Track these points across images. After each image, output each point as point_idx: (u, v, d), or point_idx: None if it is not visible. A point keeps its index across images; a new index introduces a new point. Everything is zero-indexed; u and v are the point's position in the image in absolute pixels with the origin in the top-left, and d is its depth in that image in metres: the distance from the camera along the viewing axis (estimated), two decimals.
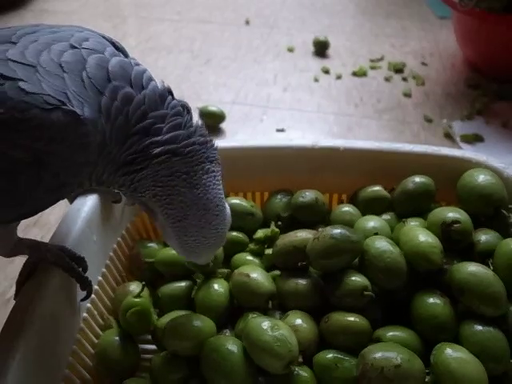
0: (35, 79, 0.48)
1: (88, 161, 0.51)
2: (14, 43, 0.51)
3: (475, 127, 1.46)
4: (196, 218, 0.57)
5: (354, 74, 1.78)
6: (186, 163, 0.55)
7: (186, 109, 0.59)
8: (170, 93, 0.58)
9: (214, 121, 1.45)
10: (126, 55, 0.59)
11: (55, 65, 0.50)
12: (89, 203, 0.73)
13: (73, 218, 0.71)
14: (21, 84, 0.46)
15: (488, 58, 1.73)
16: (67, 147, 0.49)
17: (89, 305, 0.71)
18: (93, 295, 0.70)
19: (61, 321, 0.63)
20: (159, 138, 0.54)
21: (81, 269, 0.64)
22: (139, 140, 0.54)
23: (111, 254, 0.79)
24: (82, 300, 0.66)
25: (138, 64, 0.57)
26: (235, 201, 0.84)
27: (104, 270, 0.76)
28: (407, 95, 1.65)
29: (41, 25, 0.57)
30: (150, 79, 0.56)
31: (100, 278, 0.75)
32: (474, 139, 1.40)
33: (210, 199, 0.57)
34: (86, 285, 0.65)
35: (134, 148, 0.54)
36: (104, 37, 0.59)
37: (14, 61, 0.48)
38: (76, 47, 0.52)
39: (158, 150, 0.54)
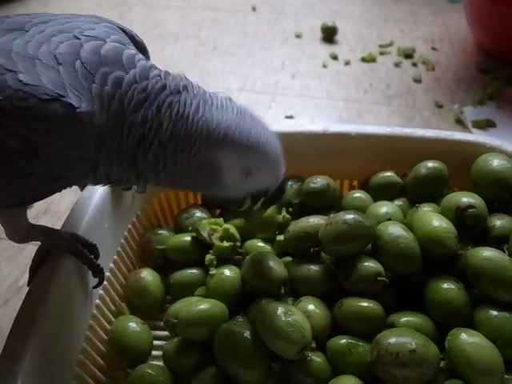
0: (34, 72, 0.48)
1: (83, 156, 0.51)
2: (26, 31, 0.51)
3: (487, 112, 1.44)
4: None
5: (363, 59, 1.76)
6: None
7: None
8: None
9: None
10: (141, 46, 0.60)
11: (51, 56, 0.50)
12: (99, 191, 0.73)
13: (84, 205, 0.71)
14: (20, 76, 0.47)
15: (500, 42, 1.69)
16: (62, 140, 0.48)
17: (101, 291, 0.71)
18: (105, 282, 0.70)
19: (74, 307, 0.63)
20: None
21: (93, 256, 0.65)
22: (136, 127, 0.52)
23: (122, 241, 0.79)
24: (95, 287, 0.66)
25: (132, 49, 0.56)
26: None
27: (115, 257, 0.76)
28: (417, 81, 1.63)
29: (60, 14, 0.57)
30: (140, 59, 0.55)
31: (112, 265, 0.75)
32: (485, 125, 1.38)
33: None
34: (98, 272, 0.65)
35: (131, 138, 0.52)
36: (122, 28, 0.59)
37: (17, 52, 0.48)
38: (77, 37, 0.52)
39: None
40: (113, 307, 0.74)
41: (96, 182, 0.57)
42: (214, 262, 0.75)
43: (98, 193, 0.73)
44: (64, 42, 0.51)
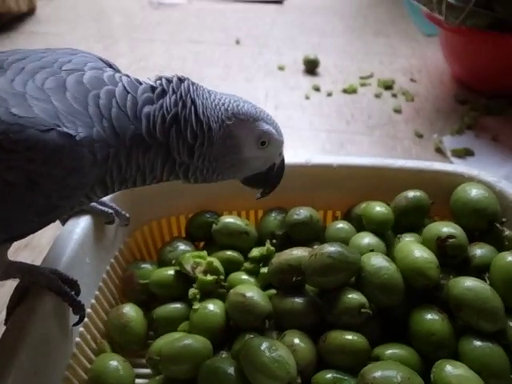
0: (26, 105, 0.48)
1: (81, 183, 0.51)
2: (5, 70, 0.52)
3: (465, 142, 1.47)
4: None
5: (345, 91, 1.80)
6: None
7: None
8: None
9: None
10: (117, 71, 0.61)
11: (41, 91, 0.51)
12: (81, 225, 0.73)
13: (65, 240, 0.70)
14: (13, 110, 0.47)
15: (475, 74, 1.76)
16: (61, 169, 0.49)
17: (82, 329, 0.69)
18: (86, 319, 0.69)
19: (53, 347, 0.62)
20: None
21: (74, 292, 0.63)
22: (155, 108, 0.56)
23: (104, 275, 0.78)
24: (75, 325, 0.65)
25: (110, 71, 0.58)
26: (229, 220, 0.84)
27: (97, 292, 0.75)
28: (397, 111, 1.67)
29: (34, 50, 0.58)
30: (121, 75, 0.58)
31: (93, 300, 0.73)
32: (464, 153, 1.42)
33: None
34: (79, 309, 0.63)
35: (159, 126, 0.55)
36: (98, 57, 0.61)
37: (3, 90, 0.49)
38: (57, 72, 0.54)
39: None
40: (94, 345, 0.72)
41: (105, 193, 0.58)
42: (198, 297, 0.74)
43: (80, 227, 0.72)
44: (49, 78, 0.53)
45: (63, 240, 0.70)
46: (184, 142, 0.57)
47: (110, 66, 0.62)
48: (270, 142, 0.62)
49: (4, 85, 0.50)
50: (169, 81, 0.59)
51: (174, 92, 0.58)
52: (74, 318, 0.64)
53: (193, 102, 0.57)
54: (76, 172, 0.50)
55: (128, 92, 0.56)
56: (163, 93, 0.57)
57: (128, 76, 0.59)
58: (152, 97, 0.57)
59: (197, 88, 0.59)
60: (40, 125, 0.47)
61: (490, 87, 1.68)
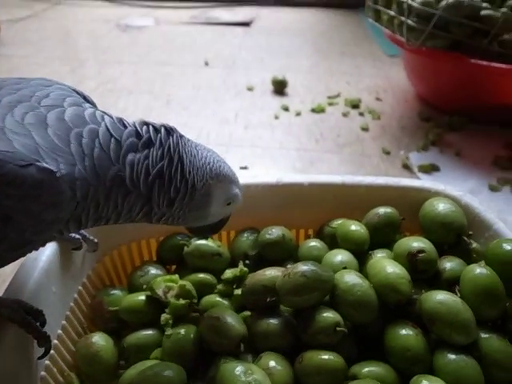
0: (5, 139, 0.47)
1: (58, 217, 0.50)
2: None
3: (431, 157, 1.52)
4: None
5: (313, 110, 1.84)
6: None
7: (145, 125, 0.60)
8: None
9: None
10: (93, 104, 0.61)
11: (21, 126, 0.50)
12: (46, 252, 0.70)
13: (29, 268, 0.67)
14: None
15: (437, 93, 1.83)
16: (39, 204, 0.47)
17: (47, 362, 0.66)
18: (52, 351, 0.66)
19: (16, 383, 0.58)
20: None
21: (38, 323, 0.60)
22: (139, 157, 0.56)
23: (72, 304, 0.75)
24: (40, 358, 0.62)
25: (90, 107, 0.58)
26: (201, 242, 0.83)
27: (64, 322, 0.72)
28: (365, 129, 1.71)
29: (8, 80, 0.57)
30: (103, 114, 0.58)
31: (60, 331, 0.70)
32: (430, 169, 1.46)
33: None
34: (45, 341, 0.60)
35: (143, 177, 0.56)
36: (72, 88, 0.61)
37: None
38: (36, 107, 0.53)
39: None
40: (60, 378, 0.69)
41: (79, 229, 0.57)
42: (170, 322, 0.72)
43: (45, 254, 0.70)
44: (28, 113, 0.51)
45: (27, 268, 0.67)
46: (165, 195, 0.58)
47: (85, 97, 0.62)
48: (233, 202, 0.67)
49: None
50: (156, 130, 0.59)
51: (161, 144, 0.58)
52: (40, 351, 0.61)
53: (180, 158, 0.58)
54: (53, 207, 0.48)
55: (111, 135, 0.55)
56: (149, 143, 0.57)
57: (110, 116, 0.58)
58: (137, 143, 0.57)
59: (185, 144, 0.60)
60: (19, 159, 0.45)
61: (451, 105, 1.75)
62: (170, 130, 0.60)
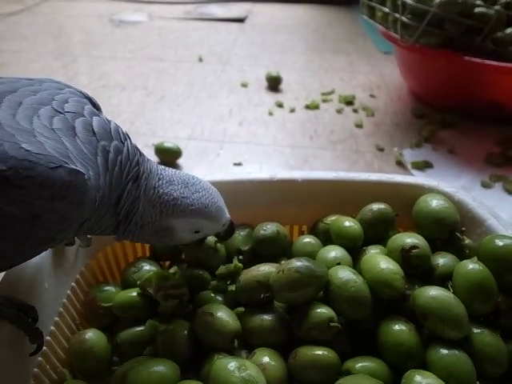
0: (36, 141, 0.48)
1: (80, 217, 0.52)
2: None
3: (424, 154, 1.53)
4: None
5: (307, 107, 1.84)
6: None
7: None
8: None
9: (170, 157, 1.44)
10: (97, 108, 0.63)
11: (50, 131, 0.50)
12: None
13: (21, 264, 0.66)
14: (24, 146, 0.46)
15: (430, 90, 1.83)
16: (66, 205, 0.49)
17: (40, 358, 0.65)
18: (44, 347, 0.65)
19: (7, 380, 0.58)
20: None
21: (30, 319, 0.60)
22: (132, 188, 0.59)
23: (65, 300, 0.74)
24: (32, 354, 0.61)
25: (109, 120, 0.61)
26: None
27: (57, 318, 0.71)
28: (359, 126, 1.71)
29: (20, 80, 0.57)
30: (124, 134, 0.61)
31: (52, 327, 0.70)
32: (424, 166, 1.46)
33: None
34: (37, 337, 0.60)
35: (130, 194, 0.60)
36: (81, 92, 0.62)
37: (7, 125, 0.48)
38: (60, 112, 0.54)
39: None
40: (53, 375, 0.68)
41: (75, 235, 0.61)
42: (157, 325, 0.71)
43: None
44: (54, 117, 0.52)
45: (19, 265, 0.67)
46: (127, 231, 0.63)
47: (90, 100, 0.63)
48: (203, 230, 0.68)
49: (6, 119, 0.48)
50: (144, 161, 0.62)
51: (136, 181, 0.60)
52: (32, 347, 0.61)
53: (138, 204, 0.61)
54: (78, 207, 0.50)
55: (129, 158, 0.59)
56: (137, 177, 0.60)
57: (128, 136, 0.62)
58: (136, 174, 0.60)
59: (146, 185, 0.61)
60: (50, 162, 0.47)
61: (445, 102, 1.76)
62: (143, 168, 0.62)
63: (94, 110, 0.60)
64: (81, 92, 0.62)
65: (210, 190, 0.68)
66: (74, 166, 0.49)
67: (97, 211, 0.56)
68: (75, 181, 0.49)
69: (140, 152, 0.63)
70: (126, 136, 0.61)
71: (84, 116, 0.56)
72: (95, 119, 0.57)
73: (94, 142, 0.54)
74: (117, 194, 0.57)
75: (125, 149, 0.58)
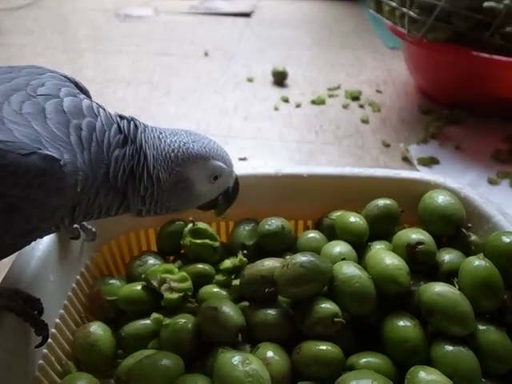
0: (5, 129, 0.46)
1: (62, 204, 0.50)
2: None
3: (430, 150, 1.52)
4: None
5: (313, 102, 1.83)
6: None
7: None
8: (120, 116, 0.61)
9: None
10: (85, 92, 0.61)
11: (19, 116, 0.49)
12: (44, 241, 0.70)
13: (27, 257, 0.67)
14: None
15: (437, 85, 1.82)
16: (43, 192, 0.47)
17: (45, 350, 0.66)
18: (50, 340, 0.66)
19: (13, 371, 0.58)
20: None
21: (36, 312, 0.60)
22: (120, 153, 0.56)
23: (70, 293, 0.75)
24: (38, 346, 0.61)
25: (86, 98, 0.58)
26: (201, 225, 0.82)
27: (62, 311, 0.72)
28: (365, 121, 1.70)
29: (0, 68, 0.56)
30: (98, 108, 0.58)
31: (58, 320, 0.70)
32: (430, 162, 1.45)
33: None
34: (42, 329, 0.60)
35: (121, 173, 0.57)
36: (66, 77, 0.60)
37: None
38: (33, 96, 0.52)
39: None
40: (58, 367, 0.69)
41: (71, 223, 0.57)
42: (162, 319, 0.71)
43: (43, 243, 0.69)
44: (25, 102, 0.51)
45: (25, 257, 0.67)
46: (138, 193, 0.59)
47: (77, 84, 0.62)
48: (221, 175, 0.65)
49: None
50: (130, 125, 0.59)
51: (132, 142, 0.58)
52: (37, 340, 0.61)
53: (145, 156, 0.58)
54: (57, 193, 0.49)
55: (105, 130, 0.56)
56: (127, 140, 0.58)
57: (104, 109, 0.59)
58: (120, 140, 0.57)
59: (148, 137, 0.60)
60: (22, 149, 0.45)
61: (452, 98, 1.74)
62: (136, 124, 0.60)
63: (74, 91, 0.58)
64: (65, 76, 0.61)
65: (211, 139, 0.67)
66: (47, 152, 0.47)
67: (85, 195, 0.54)
68: (50, 167, 0.47)
69: (123, 116, 0.60)
70: (101, 108, 0.58)
71: (58, 97, 0.54)
72: (68, 99, 0.54)
73: (66, 122, 0.52)
74: (102, 170, 0.55)
75: (98, 123, 0.55)
